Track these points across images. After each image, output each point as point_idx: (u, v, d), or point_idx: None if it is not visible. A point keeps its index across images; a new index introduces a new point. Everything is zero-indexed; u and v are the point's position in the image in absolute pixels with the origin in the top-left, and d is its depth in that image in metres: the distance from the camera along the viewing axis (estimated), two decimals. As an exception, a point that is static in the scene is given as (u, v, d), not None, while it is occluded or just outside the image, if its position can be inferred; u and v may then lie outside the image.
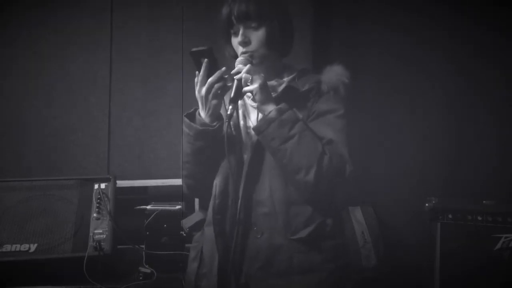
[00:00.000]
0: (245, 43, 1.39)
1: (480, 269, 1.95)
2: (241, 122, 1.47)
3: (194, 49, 1.34)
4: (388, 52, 2.47)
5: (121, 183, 2.09)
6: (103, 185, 1.97)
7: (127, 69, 2.47)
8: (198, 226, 1.56)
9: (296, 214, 1.35)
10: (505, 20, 2.39)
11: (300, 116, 1.33)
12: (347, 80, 1.39)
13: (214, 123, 1.37)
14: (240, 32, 1.39)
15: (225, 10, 1.41)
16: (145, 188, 2.24)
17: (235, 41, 1.41)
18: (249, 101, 1.49)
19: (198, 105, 1.40)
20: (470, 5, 2.41)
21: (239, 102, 1.45)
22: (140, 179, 2.30)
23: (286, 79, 1.46)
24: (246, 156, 1.40)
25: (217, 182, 1.43)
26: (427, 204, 2.08)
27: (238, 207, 1.36)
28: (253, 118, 1.46)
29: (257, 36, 1.39)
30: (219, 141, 1.34)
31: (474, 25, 2.42)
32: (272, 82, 1.45)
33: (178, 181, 2.20)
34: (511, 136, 2.39)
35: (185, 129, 1.42)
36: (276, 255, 1.34)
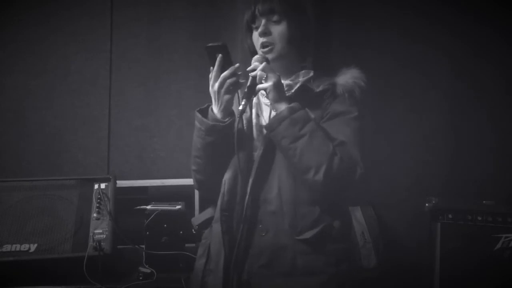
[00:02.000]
0: (265, 33, 1.42)
1: (480, 269, 1.95)
2: (254, 120, 1.47)
3: (209, 44, 1.35)
4: (388, 52, 2.46)
5: (121, 183, 2.09)
6: (103, 185, 1.97)
7: (127, 69, 2.47)
8: (207, 223, 1.57)
9: (303, 215, 1.34)
10: (505, 20, 2.39)
11: (312, 116, 1.34)
12: (363, 84, 1.40)
13: (226, 119, 1.39)
14: (262, 23, 1.43)
15: (249, 9, 1.46)
16: (145, 188, 2.24)
17: (256, 34, 1.45)
18: (263, 99, 1.50)
19: (209, 102, 1.43)
20: (470, 5, 2.41)
21: (254, 100, 1.45)
22: (140, 179, 2.30)
23: (301, 79, 1.46)
24: (256, 154, 1.40)
25: (226, 179, 1.43)
26: (427, 204, 2.08)
27: (245, 204, 1.36)
28: (266, 116, 1.47)
29: (278, 29, 1.43)
30: (230, 137, 1.36)
31: (474, 25, 2.42)
32: (288, 81, 1.47)
33: (178, 181, 2.22)
34: (511, 136, 2.39)
35: (197, 124, 1.44)
36: (280, 254, 1.34)
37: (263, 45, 1.43)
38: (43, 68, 2.43)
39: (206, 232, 1.55)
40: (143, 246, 1.91)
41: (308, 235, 1.33)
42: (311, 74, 1.48)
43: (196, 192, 2.16)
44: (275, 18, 1.42)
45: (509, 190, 2.26)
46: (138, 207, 1.96)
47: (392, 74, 2.47)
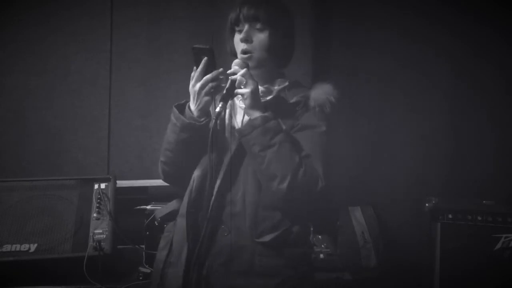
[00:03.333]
0: (246, 40, 1.45)
1: (480, 269, 1.95)
2: (226, 122, 1.51)
3: (196, 45, 1.40)
4: (388, 52, 2.46)
5: (121, 183, 2.09)
6: (103, 185, 1.97)
7: (127, 69, 2.47)
8: (170, 216, 1.58)
9: (264, 218, 1.39)
10: (505, 20, 2.38)
11: (283, 127, 1.39)
12: (334, 100, 1.43)
13: (202, 119, 1.43)
14: (244, 29, 1.45)
15: (234, 11, 1.47)
16: (145, 188, 2.24)
17: (237, 38, 1.47)
18: (238, 102, 1.52)
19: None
20: (470, 5, 2.41)
21: (229, 101, 1.48)
22: (140, 179, 2.30)
23: (276, 87, 1.51)
24: (227, 156, 1.44)
25: (195, 177, 1.47)
26: (427, 204, 2.08)
27: (211, 203, 1.39)
28: (239, 119, 1.50)
29: (260, 37, 1.45)
30: (203, 136, 1.39)
31: (474, 25, 2.42)
32: (262, 88, 1.50)
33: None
34: (511, 136, 2.39)
35: (173, 119, 1.48)
36: (239, 254, 1.38)
37: (243, 51, 1.46)
38: (43, 68, 2.42)
39: (169, 225, 1.58)
40: (143, 246, 1.91)
41: (267, 238, 1.37)
42: (286, 83, 1.52)
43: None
44: (258, 26, 1.45)
45: (509, 190, 2.26)
46: (138, 207, 1.97)
47: (392, 74, 2.47)
